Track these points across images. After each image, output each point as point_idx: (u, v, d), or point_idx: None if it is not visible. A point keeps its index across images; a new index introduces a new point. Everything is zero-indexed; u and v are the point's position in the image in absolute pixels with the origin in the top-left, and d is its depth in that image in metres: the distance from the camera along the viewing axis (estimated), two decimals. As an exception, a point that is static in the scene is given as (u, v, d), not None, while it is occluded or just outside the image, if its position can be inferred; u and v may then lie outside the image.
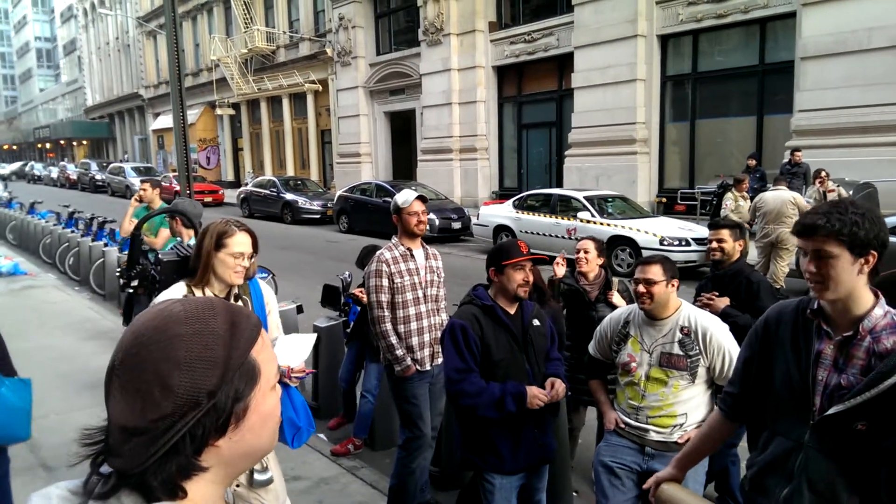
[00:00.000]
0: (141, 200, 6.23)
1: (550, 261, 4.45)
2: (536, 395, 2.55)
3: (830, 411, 1.62)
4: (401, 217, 3.47)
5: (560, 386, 2.60)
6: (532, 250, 2.79)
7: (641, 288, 2.63)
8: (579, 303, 3.81)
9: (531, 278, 2.66)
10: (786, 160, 11.33)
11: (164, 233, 5.57)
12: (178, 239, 4.21)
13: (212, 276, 2.41)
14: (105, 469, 0.78)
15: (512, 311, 2.69)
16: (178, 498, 0.77)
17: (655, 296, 2.61)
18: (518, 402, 2.52)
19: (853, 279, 1.62)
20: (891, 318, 1.64)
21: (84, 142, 50.76)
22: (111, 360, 0.80)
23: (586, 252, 3.81)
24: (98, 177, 31.43)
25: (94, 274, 9.15)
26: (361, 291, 4.23)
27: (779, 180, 9.17)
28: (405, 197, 3.46)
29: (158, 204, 6.14)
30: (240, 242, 2.42)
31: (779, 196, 8.47)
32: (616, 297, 3.69)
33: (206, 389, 0.76)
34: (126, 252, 5.55)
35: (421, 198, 3.48)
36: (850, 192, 9.11)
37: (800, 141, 12.01)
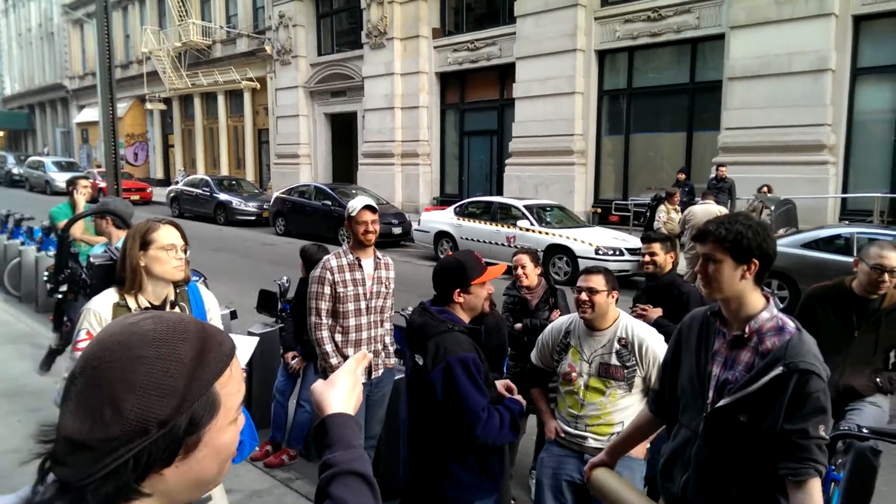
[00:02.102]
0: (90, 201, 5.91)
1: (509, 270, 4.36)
2: (523, 402, 2.49)
3: (718, 404, 1.80)
4: (350, 224, 3.40)
5: (512, 385, 2.57)
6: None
7: (584, 296, 2.67)
8: (522, 311, 3.86)
9: (493, 289, 2.54)
10: (712, 175, 11.86)
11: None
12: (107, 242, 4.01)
13: (145, 280, 2.28)
14: (51, 478, 0.75)
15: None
16: None
17: (597, 305, 2.66)
18: (521, 416, 2.43)
19: (736, 283, 1.79)
20: (776, 322, 1.80)
21: (0, 133, 47.71)
22: (75, 365, 0.77)
23: (523, 267, 3.84)
24: (15, 171, 29.66)
25: (10, 274, 8.58)
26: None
27: (706, 194, 9.60)
28: (354, 204, 3.40)
29: (84, 204, 5.84)
30: (167, 234, 2.30)
31: (707, 210, 8.85)
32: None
33: (158, 419, 0.72)
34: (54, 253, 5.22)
35: (370, 207, 3.39)
36: (772, 208, 9.64)
37: (726, 157, 12.60)
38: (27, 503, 0.76)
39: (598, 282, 2.67)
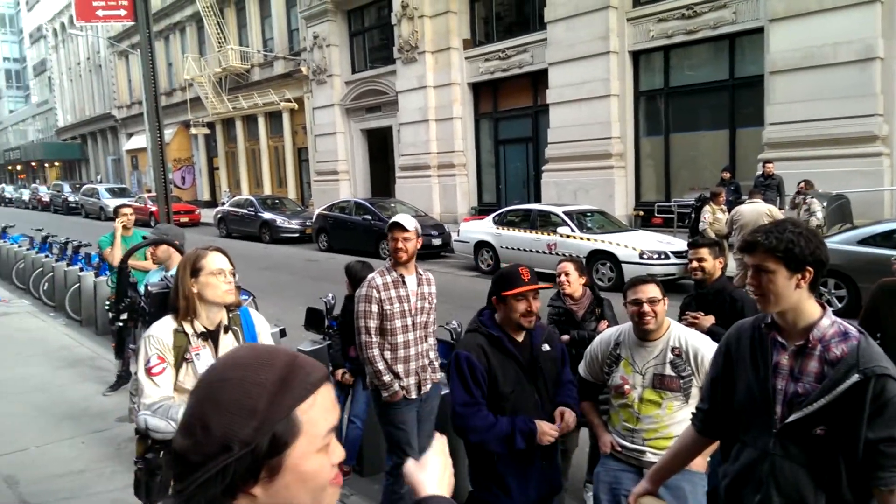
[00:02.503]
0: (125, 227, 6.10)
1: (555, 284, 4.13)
2: (547, 431, 2.47)
3: (790, 419, 1.73)
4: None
5: (570, 416, 2.54)
6: (536, 270, 2.67)
7: (647, 308, 2.60)
8: (568, 323, 3.82)
9: (535, 307, 2.51)
10: (759, 172, 11.56)
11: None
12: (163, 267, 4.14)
13: (198, 306, 2.38)
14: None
15: (520, 338, 2.57)
16: None
17: (659, 315, 2.62)
18: (527, 440, 2.44)
19: (791, 293, 1.73)
20: (838, 328, 1.74)
21: (56, 163, 49.90)
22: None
23: (567, 274, 3.81)
24: (71, 199, 31.01)
25: (70, 300, 8.95)
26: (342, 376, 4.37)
27: (754, 193, 9.36)
28: (389, 221, 3.45)
29: (120, 231, 6.03)
30: (214, 260, 2.41)
31: (755, 209, 8.63)
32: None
33: (239, 438, 0.78)
34: (108, 277, 5.37)
35: (397, 224, 3.34)
36: (824, 204, 9.33)
37: (771, 153, 12.27)
38: None
39: (655, 291, 2.63)
